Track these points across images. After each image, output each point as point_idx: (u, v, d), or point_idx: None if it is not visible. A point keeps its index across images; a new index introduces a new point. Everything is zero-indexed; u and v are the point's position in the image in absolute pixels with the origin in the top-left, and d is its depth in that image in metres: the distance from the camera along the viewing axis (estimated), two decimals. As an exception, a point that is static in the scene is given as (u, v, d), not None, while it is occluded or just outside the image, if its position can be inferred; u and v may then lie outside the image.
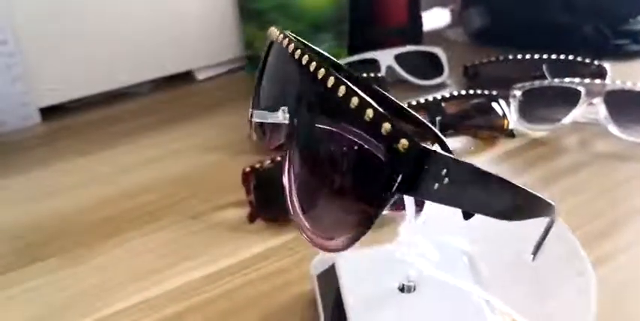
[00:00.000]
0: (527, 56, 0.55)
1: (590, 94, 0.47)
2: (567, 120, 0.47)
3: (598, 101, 0.46)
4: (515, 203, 0.21)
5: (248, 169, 0.41)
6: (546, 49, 0.55)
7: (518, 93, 0.51)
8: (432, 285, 0.28)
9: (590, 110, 0.47)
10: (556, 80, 0.49)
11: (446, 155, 0.18)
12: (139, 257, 0.38)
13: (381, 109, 0.18)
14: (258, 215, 0.41)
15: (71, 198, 0.46)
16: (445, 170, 0.18)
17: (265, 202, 0.40)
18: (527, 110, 0.50)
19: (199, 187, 0.45)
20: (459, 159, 0.18)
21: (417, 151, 0.18)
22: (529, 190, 0.21)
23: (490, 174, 0.19)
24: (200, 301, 0.34)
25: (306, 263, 0.34)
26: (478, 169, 0.19)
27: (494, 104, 0.49)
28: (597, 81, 0.48)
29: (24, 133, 0.57)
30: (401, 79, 0.59)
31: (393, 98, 0.30)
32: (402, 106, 0.30)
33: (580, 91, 0.47)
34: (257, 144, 0.49)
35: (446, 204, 0.19)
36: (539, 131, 0.49)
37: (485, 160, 0.45)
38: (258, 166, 0.41)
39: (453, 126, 0.48)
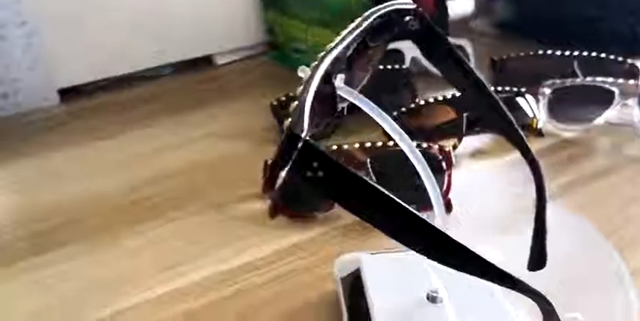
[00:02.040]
0: (558, 52, 0.54)
1: (625, 94, 0.45)
2: (599, 121, 0.46)
3: (633, 102, 0.45)
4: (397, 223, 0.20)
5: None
6: (574, 42, 0.53)
7: (547, 91, 0.49)
8: (459, 295, 0.27)
9: (624, 111, 0.45)
10: (588, 79, 0.48)
11: (314, 148, 0.19)
12: (162, 246, 0.38)
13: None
14: (279, 210, 0.40)
15: (92, 182, 0.45)
16: (316, 163, 0.19)
17: (287, 197, 0.40)
18: (557, 109, 0.48)
19: (220, 176, 0.45)
20: (330, 156, 0.19)
21: (289, 135, 0.19)
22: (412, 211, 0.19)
23: (369, 185, 0.19)
24: (224, 295, 0.34)
25: (330, 262, 0.34)
26: (354, 175, 0.19)
27: (522, 101, 0.48)
28: (631, 81, 0.47)
29: (43, 113, 0.56)
30: (426, 70, 0.58)
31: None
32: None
33: (614, 92, 0.46)
34: (276, 132, 0.49)
35: (330, 198, 0.21)
36: (569, 132, 0.47)
37: (509, 161, 0.44)
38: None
39: (480, 123, 0.47)
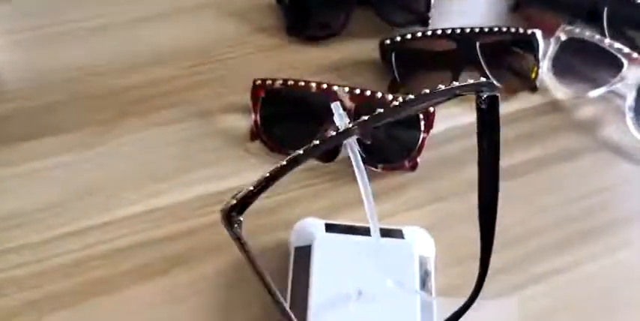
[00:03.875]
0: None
1: (632, 69, 0.44)
2: (604, 89, 0.44)
3: (633, 82, 0.43)
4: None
5: (259, 82, 0.41)
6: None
7: (563, 36, 0.47)
8: (390, 293, 0.31)
9: (621, 88, 0.44)
10: (606, 41, 0.44)
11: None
12: (139, 157, 0.40)
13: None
14: (260, 138, 0.41)
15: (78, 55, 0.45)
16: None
17: (270, 127, 0.41)
18: (563, 61, 0.47)
19: (213, 73, 0.45)
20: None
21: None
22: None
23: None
24: (188, 227, 0.36)
25: (293, 207, 0.37)
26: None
27: (527, 46, 0.46)
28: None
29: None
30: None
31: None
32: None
33: (623, 63, 0.44)
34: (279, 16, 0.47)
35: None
36: (562, 93, 0.46)
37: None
38: (270, 82, 0.41)
39: (477, 62, 0.44)
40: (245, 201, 0.22)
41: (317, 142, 0.24)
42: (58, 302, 0.33)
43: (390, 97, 0.40)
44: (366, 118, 0.24)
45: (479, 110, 0.25)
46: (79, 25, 0.47)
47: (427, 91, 0.24)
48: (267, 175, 0.23)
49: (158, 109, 0.42)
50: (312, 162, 0.40)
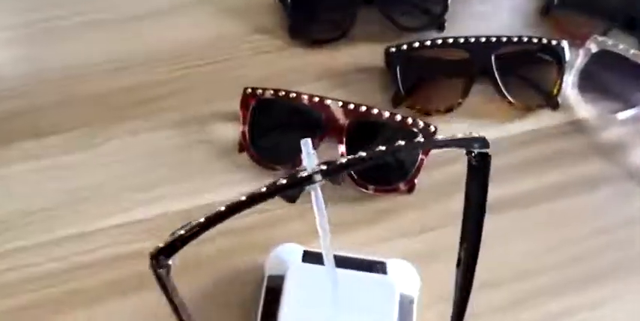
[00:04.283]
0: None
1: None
2: (635, 111, 0.39)
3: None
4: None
5: (249, 91, 0.38)
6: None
7: (594, 47, 0.42)
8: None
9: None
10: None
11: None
12: (121, 166, 0.38)
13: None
14: (247, 151, 0.38)
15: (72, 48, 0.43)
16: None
17: (259, 139, 0.38)
18: (594, 76, 0.42)
19: (206, 76, 0.42)
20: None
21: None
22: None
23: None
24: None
25: (275, 227, 0.35)
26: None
27: (551, 57, 0.41)
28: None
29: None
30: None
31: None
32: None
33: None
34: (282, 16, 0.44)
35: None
36: (590, 113, 0.41)
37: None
38: (260, 91, 0.38)
39: (492, 74, 0.40)
40: (174, 245, 0.21)
41: (264, 189, 0.21)
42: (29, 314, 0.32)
43: (387, 114, 0.36)
44: (339, 162, 0.21)
45: (469, 165, 0.23)
46: (71, 20, 0.45)
47: (410, 141, 0.22)
48: (202, 220, 0.21)
49: (146, 114, 0.40)
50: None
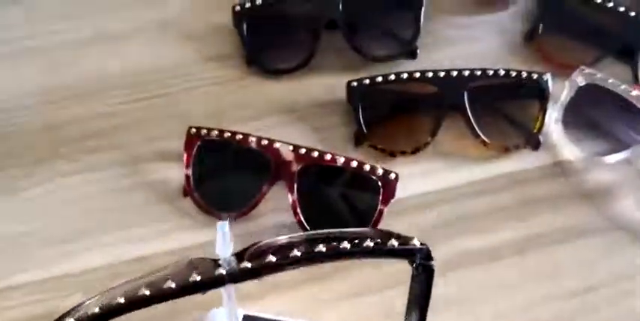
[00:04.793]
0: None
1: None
2: (625, 154, 0.35)
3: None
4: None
5: (194, 131, 0.34)
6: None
7: (580, 80, 0.38)
8: None
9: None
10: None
11: None
12: (53, 211, 0.34)
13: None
14: (191, 196, 0.35)
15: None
16: None
17: (203, 184, 0.34)
18: (580, 112, 0.38)
19: (154, 110, 0.38)
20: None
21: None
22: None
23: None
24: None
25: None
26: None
27: (532, 92, 0.36)
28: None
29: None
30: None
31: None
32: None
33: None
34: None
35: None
36: (575, 154, 0.37)
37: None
38: (205, 131, 0.34)
39: (463, 110, 0.36)
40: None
41: (147, 292, 0.18)
42: None
43: (342, 160, 0.32)
44: (250, 265, 0.19)
45: (412, 276, 0.21)
46: (16, 44, 0.41)
47: (346, 245, 0.20)
48: (97, 310, 0.19)
49: (80, 153, 0.37)
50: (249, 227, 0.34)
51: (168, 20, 0.42)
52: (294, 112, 0.38)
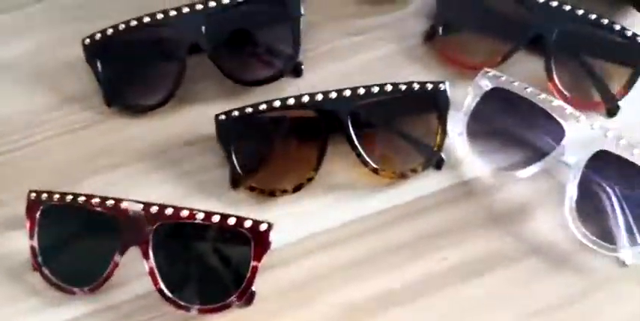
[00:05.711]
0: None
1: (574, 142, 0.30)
2: (539, 167, 0.31)
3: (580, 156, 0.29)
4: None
5: (34, 196, 0.29)
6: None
7: (485, 84, 0.33)
8: None
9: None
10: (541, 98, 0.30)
11: None
12: None
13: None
14: (39, 270, 0.30)
15: None
16: None
17: (50, 256, 0.30)
18: (488, 120, 0.33)
19: None
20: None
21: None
22: None
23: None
24: None
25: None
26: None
27: (428, 104, 0.32)
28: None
29: None
30: None
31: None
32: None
33: (563, 130, 0.30)
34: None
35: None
36: (485, 171, 0.32)
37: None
38: (46, 195, 0.29)
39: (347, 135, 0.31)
40: None
41: None
42: None
43: (202, 215, 0.28)
44: None
45: None
46: None
47: None
48: None
49: None
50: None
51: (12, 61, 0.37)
52: (162, 155, 0.33)
